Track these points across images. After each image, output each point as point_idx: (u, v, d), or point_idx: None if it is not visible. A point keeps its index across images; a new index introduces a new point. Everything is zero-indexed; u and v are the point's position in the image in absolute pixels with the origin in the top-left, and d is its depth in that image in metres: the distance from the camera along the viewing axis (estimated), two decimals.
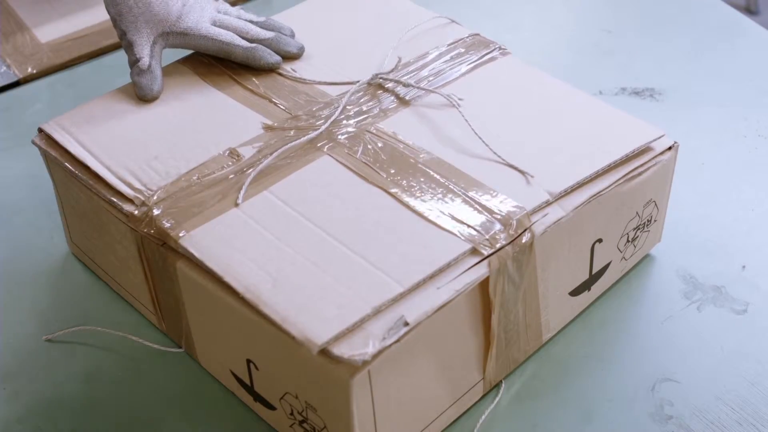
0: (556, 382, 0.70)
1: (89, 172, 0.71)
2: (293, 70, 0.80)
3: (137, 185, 0.69)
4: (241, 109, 0.76)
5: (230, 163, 0.70)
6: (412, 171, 0.69)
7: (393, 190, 0.67)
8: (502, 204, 0.65)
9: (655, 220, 0.77)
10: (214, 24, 0.80)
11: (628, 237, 0.74)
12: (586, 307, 0.75)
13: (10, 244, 0.84)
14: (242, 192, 0.67)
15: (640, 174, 0.71)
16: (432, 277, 0.61)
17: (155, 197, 0.68)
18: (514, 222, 0.64)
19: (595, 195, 0.68)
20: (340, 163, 0.70)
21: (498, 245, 0.63)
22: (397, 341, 0.57)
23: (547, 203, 0.66)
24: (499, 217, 0.64)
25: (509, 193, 0.66)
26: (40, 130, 0.76)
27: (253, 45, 0.80)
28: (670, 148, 0.73)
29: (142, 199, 0.68)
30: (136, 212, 0.67)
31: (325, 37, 0.84)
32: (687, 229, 0.82)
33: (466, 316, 0.63)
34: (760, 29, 1.09)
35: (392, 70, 0.79)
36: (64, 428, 0.69)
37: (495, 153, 0.70)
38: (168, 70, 0.81)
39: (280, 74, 0.80)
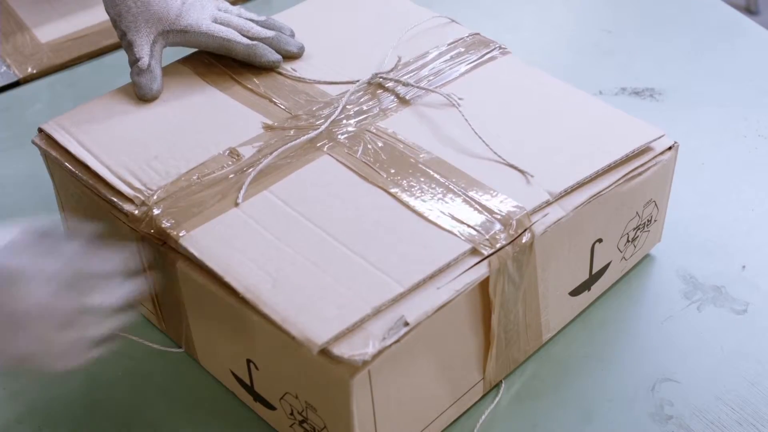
0: (556, 382, 0.70)
1: (89, 171, 0.71)
2: (293, 69, 0.80)
3: (137, 185, 0.69)
4: (241, 109, 0.76)
5: (230, 163, 0.70)
6: (412, 171, 0.69)
7: (393, 190, 0.67)
8: (502, 204, 0.65)
9: (655, 220, 0.77)
10: (215, 22, 0.80)
11: (628, 237, 0.74)
12: (586, 307, 0.75)
13: None
14: (242, 192, 0.67)
15: (640, 174, 0.71)
16: (432, 277, 0.61)
17: (155, 197, 0.68)
18: (514, 222, 0.64)
19: (595, 195, 0.68)
20: (340, 162, 0.70)
21: (498, 245, 0.63)
22: (397, 341, 0.57)
23: (547, 203, 0.66)
24: (499, 217, 0.64)
25: (509, 193, 0.66)
26: (40, 130, 0.76)
27: (254, 42, 0.80)
28: (670, 148, 0.73)
29: (142, 198, 0.68)
30: (136, 212, 0.67)
31: (325, 37, 0.84)
32: (687, 229, 0.82)
33: (466, 316, 0.63)
34: (760, 29, 1.09)
35: (392, 70, 0.79)
36: (64, 428, 0.69)
37: (495, 153, 0.70)
38: (168, 70, 0.81)
39: (280, 73, 0.80)
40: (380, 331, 0.57)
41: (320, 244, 0.63)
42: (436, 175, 0.68)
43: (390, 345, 0.57)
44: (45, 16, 1.13)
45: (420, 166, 0.69)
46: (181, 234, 0.64)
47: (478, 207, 0.65)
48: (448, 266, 0.61)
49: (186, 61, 0.83)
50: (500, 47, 0.82)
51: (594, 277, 0.74)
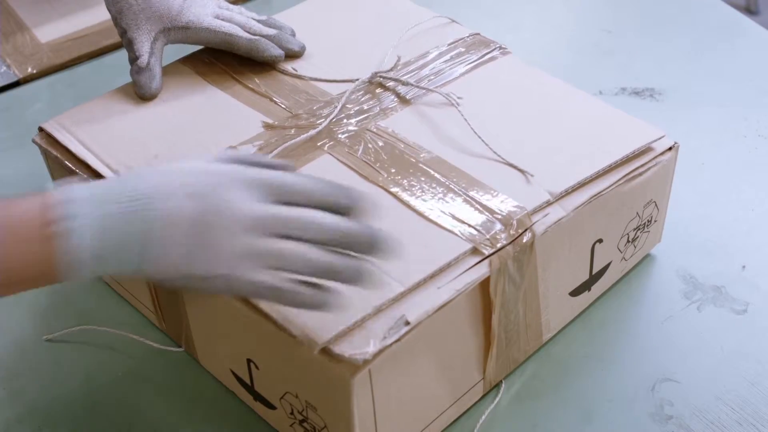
0: (556, 382, 0.70)
1: (90, 170, 0.71)
2: (294, 69, 0.80)
3: None
4: (241, 108, 0.76)
5: None
6: (412, 170, 0.69)
7: (393, 190, 0.67)
8: (503, 204, 0.65)
9: (655, 221, 0.77)
10: (216, 18, 0.80)
11: (628, 237, 0.74)
12: (586, 307, 0.75)
13: None
14: None
15: (640, 174, 0.71)
16: (432, 276, 0.61)
17: None
18: (515, 222, 0.64)
19: (595, 195, 0.68)
20: (341, 162, 0.70)
21: (499, 245, 0.63)
22: (398, 340, 0.57)
23: (548, 203, 0.66)
24: (499, 216, 0.64)
25: (510, 192, 0.66)
26: (41, 129, 0.76)
27: (256, 37, 0.80)
28: (670, 148, 0.73)
29: None
30: None
31: (325, 37, 0.85)
32: (687, 229, 0.82)
33: (467, 315, 0.63)
34: (760, 29, 1.09)
35: (391, 69, 0.79)
36: (64, 428, 0.69)
37: (495, 152, 0.70)
38: (168, 70, 0.81)
39: (281, 71, 0.80)
40: (381, 330, 0.57)
41: None
42: (436, 175, 0.68)
43: (391, 344, 0.57)
44: (45, 16, 1.13)
45: (420, 165, 0.69)
46: None
47: (478, 207, 0.65)
48: (448, 266, 0.61)
49: (186, 60, 0.83)
50: (500, 47, 0.82)
51: (594, 278, 0.74)
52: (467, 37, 0.84)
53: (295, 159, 0.70)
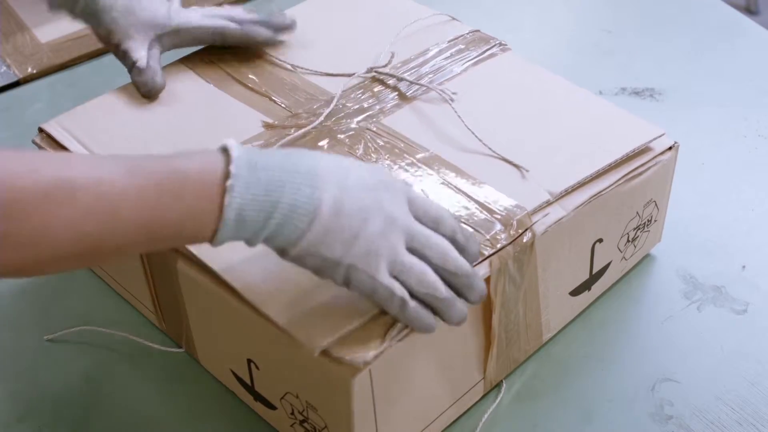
0: (556, 382, 0.70)
1: None
2: (293, 66, 0.80)
3: None
4: (241, 108, 0.76)
5: None
6: (412, 169, 0.69)
7: None
8: (503, 204, 0.65)
9: (655, 220, 0.77)
10: (204, 17, 0.81)
11: (628, 237, 0.74)
12: (586, 307, 0.75)
13: None
14: None
15: (640, 174, 0.71)
16: None
17: None
18: (515, 222, 0.64)
19: (595, 195, 0.68)
20: None
21: (499, 245, 0.63)
22: (399, 341, 0.57)
23: (548, 203, 0.66)
24: (499, 216, 0.64)
25: (510, 192, 0.66)
26: (41, 130, 0.76)
27: (247, 25, 0.81)
28: (670, 148, 0.73)
29: None
30: None
31: (326, 36, 0.84)
32: (687, 229, 0.82)
33: (467, 315, 0.63)
34: (760, 29, 1.09)
35: (387, 64, 0.79)
36: (64, 428, 0.69)
37: (489, 148, 0.70)
38: (168, 70, 0.81)
39: (280, 68, 0.80)
40: (381, 332, 0.57)
41: None
42: (436, 174, 0.68)
43: (391, 345, 0.57)
44: (45, 16, 1.12)
45: (420, 164, 0.69)
46: None
47: (478, 206, 0.65)
48: None
49: (186, 60, 0.83)
50: (500, 44, 0.82)
51: (594, 277, 0.74)
52: (467, 34, 0.84)
53: None
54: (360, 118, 0.74)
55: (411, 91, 0.76)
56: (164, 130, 0.74)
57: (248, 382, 0.67)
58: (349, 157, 0.57)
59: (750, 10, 2.29)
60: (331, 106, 0.74)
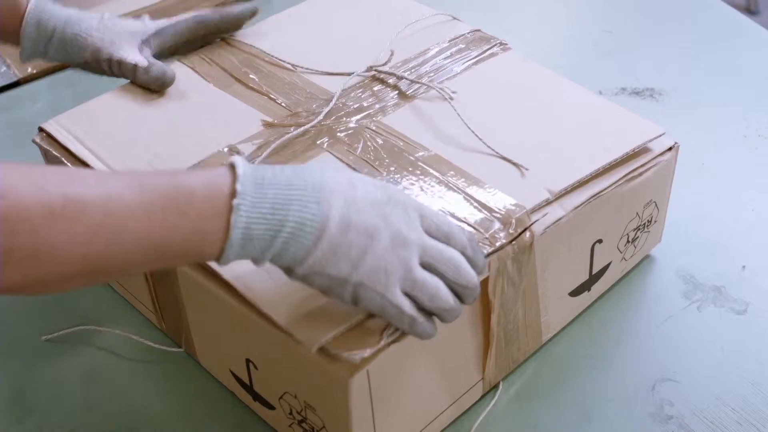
0: (556, 382, 0.70)
1: None
2: (293, 66, 0.80)
3: None
4: (241, 107, 0.76)
5: None
6: (411, 168, 0.69)
7: None
8: (502, 202, 0.65)
9: (655, 221, 0.77)
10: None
11: (628, 237, 0.74)
12: (586, 307, 0.75)
13: None
14: None
15: (640, 174, 0.71)
16: None
17: None
18: (514, 221, 0.64)
19: (595, 195, 0.68)
20: (340, 159, 0.70)
21: (498, 244, 0.62)
22: (396, 341, 0.57)
23: (547, 202, 0.66)
24: (498, 215, 0.64)
25: (509, 191, 0.66)
26: (41, 129, 0.76)
27: (219, 10, 0.83)
28: (670, 148, 0.73)
29: None
30: None
31: (326, 36, 0.85)
32: (687, 229, 0.82)
33: (466, 315, 0.63)
34: (760, 29, 1.09)
35: (386, 63, 0.79)
36: (64, 428, 0.69)
37: (488, 146, 0.69)
38: None
39: (279, 66, 0.80)
40: (379, 330, 0.57)
41: None
42: (435, 173, 0.68)
43: (388, 344, 0.57)
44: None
45: (420, 163, 0.69)
46: None
47: (477, 205, 0.65)
48: None
49: (186, 59, 0.83)
50: (501, 43, 0.82)
51: (594, 278, 0.73)
52: (468, 33, 0.84)
53: (295, 157, 0.70)
54: (359, 116, 0.74)
55: (411, 90, 0.76)
56: (164, 130, 0.74)
57: (247, 382, 0.67)
58: (358, 173, 0.56)
59: (750, 10, 2.29)
60: (331, 104, 0.74)
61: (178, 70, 0.81)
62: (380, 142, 0.71)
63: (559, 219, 0.66)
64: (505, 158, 0.69)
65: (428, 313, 0.57)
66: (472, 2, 1.13)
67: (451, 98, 0.74)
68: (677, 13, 1.13)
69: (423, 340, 0.57)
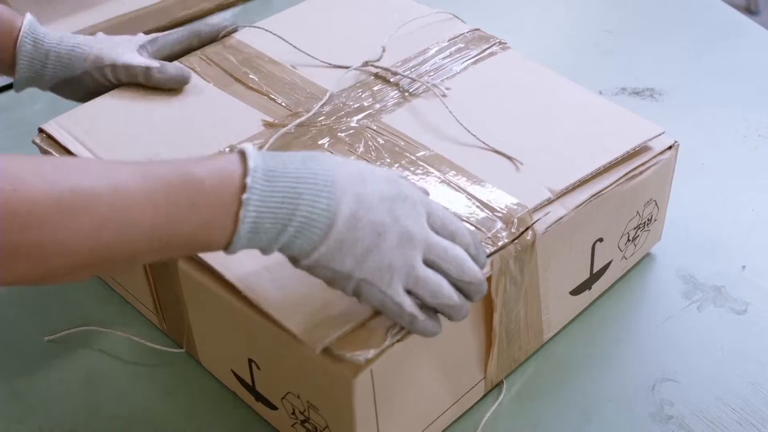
0: (556, 382, 0.70)
1: None
2: (293, 66, 0.80)
3: None
4: (241, 107, 0.76)
5: None
6: (413, 168, 0.69)
7: None
8: (504, 201, 0.65)
9: (655, 220, 0.77)
10: None
11: (628, 236, 0.74)
12: (587, 306, 0.75)
13: None
14: None
15: (640, 173, 0.71)
16: None
17: None
18: (516, 220, 0.64)
19: (596, 194, 0.68)
20: None
21: (500, 243, 0.63)
22: (399, 340, 0.57)
23: (549, 201, 0.66)
24: (500, 214, 0.64)
25: (510, 190, 0.66)
26: (41, 130, 0.76)
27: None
28: (670, 147, 0.73)
29: None
30: None
31: (326, 36, 0.84)
32: (687, 229, 0.82)
33: (468, 315, 0.63)
34: (760, 29, 1.09)
35: (379, 59, 0.79)
36: (64, 428, 0.69)
37: (483, 142, 0.70)
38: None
39: (279, 66, 0.80)
40: (382, 330, 0.57)
41: None
42: (437, 172, 0.68)
43: (392, 344, 0.57)
44: (45, 16, 1.12)
45: (421, 163, 0.69)
46: None
47: (479, 204, 0.65)
48: None
49: (186, 60, 0.83)
50: (500, 42, 0.82)
51: (595, 276, 0.74)
52: (467, 32, 0.84)
53: None
54: (360, 116, 0.74)
55: (412, 89, 0.76)
56: (165, 130, 0.74)
57: (249, 382, 0.67)
58: (370, 165, 0.56)
59: (750, 10, 2.29)
60: (324, 99, 0.74)
61: None
62: (381, 141, 0.71)
63: (561, 218, 0.66)
64: (499, 152, 0.69)
65: (433, 311, 0.57)
66: (472, 2, 1.13)
67: (444, 95, 0.74)
68: (677, 13, 1.13)
69: (426, 337, 0.57)
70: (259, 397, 0.67)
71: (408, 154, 0.70)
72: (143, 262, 0.54)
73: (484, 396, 0.69)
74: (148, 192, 0.50)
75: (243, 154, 0.53)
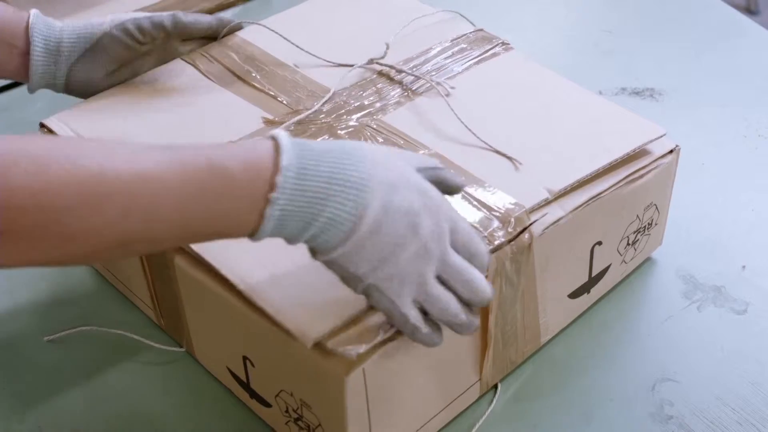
0: (556, 383, 0.70)
1: None
2: (295, 65, 0.80)
3: None
4: (242, 104, 0.76)
5: None
6: None
7: None
8: (501, 201, 0.65)
9: (656, 224, 0.77)
10: None
11: (628, 240, 0.74)
12: (585, 310, 0.75)
13: None
14: None
15: (641, 177, 0.70)
16: None
17: None
18: (513, 220, 0.64)
19: (595, 196, 0.67)
20: None
21: (496, 242, 0.62)
22: (392, 338, 0.57)
23: (546, 202, 0.66)
24: (497, 214, 0.64)
25: (508, 190, 0.66)
26: (42, 125, 0.76)
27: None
28: (671, 151, 0.73)
29: None
30: None
31: (328, 35, 0.84)
32: (687, 230, 0.82)
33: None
34: (760, 29, 1.09)
35: (383, 57, 0.78)
36: (64, 428, 0.69)
37: (482, 140, 0.69)
38: (169, 67, 0.81)
39: (281, 64, 0.80)
40: (375, 326, 0.57)
41: None
42: None
43: (385, 341, 0.57)
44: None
45: None
46: None
47: (476, 203, 0.65)
48: None
49: (187, 57, 0.83)
50: (503, 42, 0.82)
51: (593, 280, 0.73)
52: (470, 33, 0.84)
53: None
54: (360, 114, 0.74)
55: (415, 87, 0.76)
56: (166, 127, 0.74)
57: (244, 379, 0.66)
58: (407, 168, 0.55)
59: (750, 10, 2.29)
60: (326, 97, 0.74)
61: (180, 67, 0.81)
62: (380, 140, 0.71)
63: (559, 220, 0.65)
64: (498, 151, 0.69)
65: (437, 324, 0.57)
66: (472, 2, 1.12)
67: (448, 94, 0.74)
68: (677, 13, 1.13)
69: (426, 347, 0.57)
70: (253, 395, 0.67)
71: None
72: (165, 248, 0.54)
73: (481, 398, 0.69)
74: (176, 178, 0.50)
75: (277, 147, 0.52)
